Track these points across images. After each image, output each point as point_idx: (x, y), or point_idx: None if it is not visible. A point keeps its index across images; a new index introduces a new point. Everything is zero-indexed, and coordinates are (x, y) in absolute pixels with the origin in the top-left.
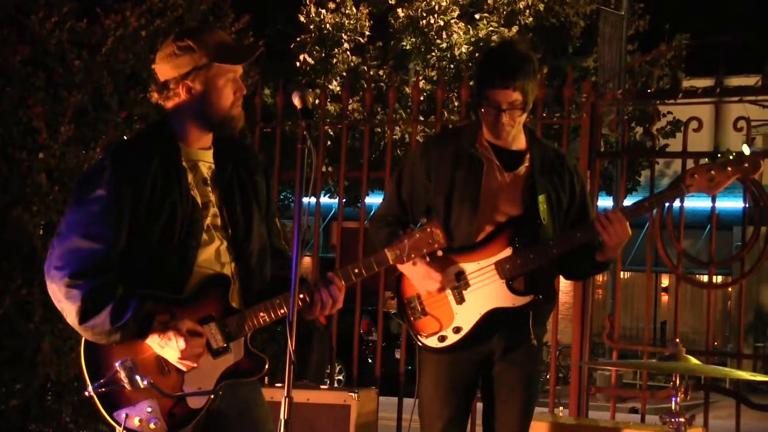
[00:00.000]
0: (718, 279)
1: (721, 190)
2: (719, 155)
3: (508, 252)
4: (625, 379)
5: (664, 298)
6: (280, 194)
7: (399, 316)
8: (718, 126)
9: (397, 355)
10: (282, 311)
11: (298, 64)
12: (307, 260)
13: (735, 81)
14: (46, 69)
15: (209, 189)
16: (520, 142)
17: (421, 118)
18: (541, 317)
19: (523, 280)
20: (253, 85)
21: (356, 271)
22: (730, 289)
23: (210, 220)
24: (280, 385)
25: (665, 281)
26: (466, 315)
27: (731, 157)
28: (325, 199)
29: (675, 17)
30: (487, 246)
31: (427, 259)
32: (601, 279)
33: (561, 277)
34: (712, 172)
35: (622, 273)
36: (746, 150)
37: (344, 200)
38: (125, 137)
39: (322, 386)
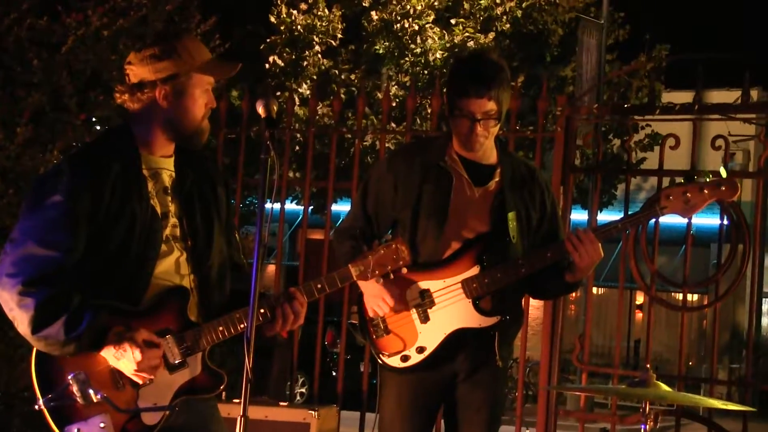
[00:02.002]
0: (694, 297)
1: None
2: (696, 177)
3: (475, 270)
4: (596, 398)
5: (638, 315)
6: (245, 200)
7: (361, 334)
8: (695, 142)
9: (362, 369)
10: (242, 326)
11: (267, 65)
12: (270, 268)
13: (716, 95)
14: (3, 67)
15: (169, 198)
16: (491, 156)
17: (393, 125)
18: (508, 338)
19: (490, 299)
20: (218, 90)
21: (319, 286)
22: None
23: (169, 231)
24: (237, 400)
25: (640, 298)
26: (431, 334)
27: (708, 179)
28: (291, 206)
29: (655, 27)
30: (454, 263)
31: (391, 276)
32: (573, 295)
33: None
34: (688, 194)
35: (595, 289)
36: (723, 172)
37: (311, 208)
38: (86, 141)
39: (282, 403)
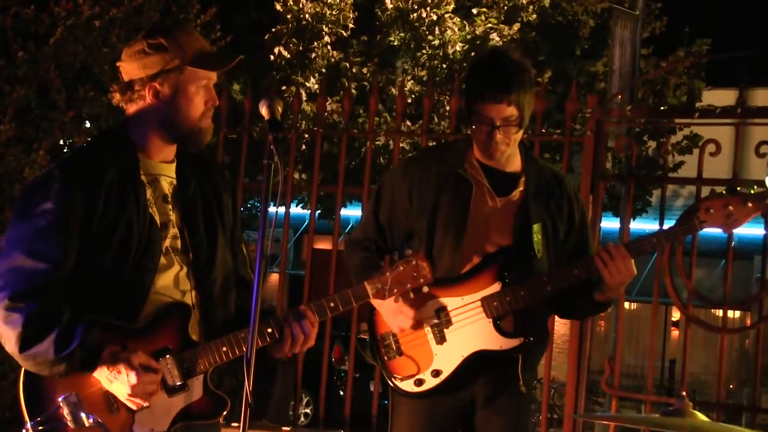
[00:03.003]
0: (736, 315)
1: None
2: (738, 188)
3: (496, 287)
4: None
5: (675, 333)
6: (247, 203)
7: (371, 355)
8: (738, 148)
9: (372, 388)
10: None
11: (272, 58)
12: (274, 278)
13: (762, 94)
14: None
15: (170, 207)
16: (514, 164)
17: (409, 124)
18: (532, 361)
19: (513, 319)
20: (219, 86)
21: (332, 305)
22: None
23: (169, 242)
24: (236, 424)
25: (676, 314)
26: (447, 357)
27: (752, 191)
28: (297, 210)
29: (695, 18)
30: (473, 279)
31: (411, 295)
32: None
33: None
34: (730, 207)
35: (627, 304)
36: None
37: (319, 212)
38: (79, 144)
39: (284, 428)
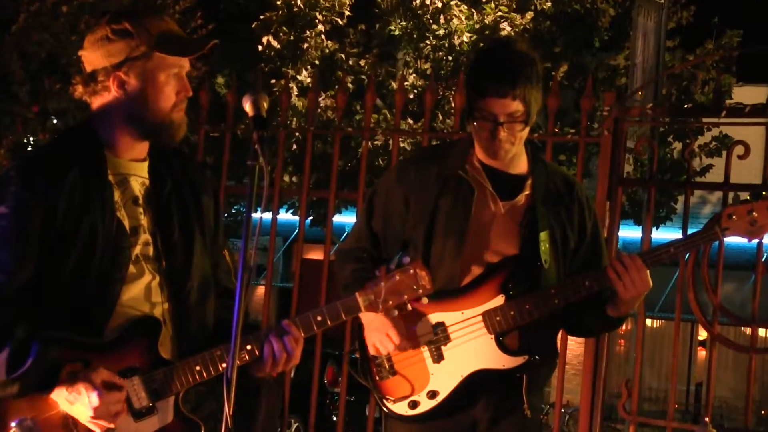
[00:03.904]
0: (767, 334)
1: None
2: (764, 192)
3: (499, 300)
4: None
5: (701, 353)
6: (231, 208)
7: (362, 374)
8: None
9: (368, 412)
10: (224, 365)
11: (260, 48)
12: (260, 290)
13: None
14: None
15: (141, 210)
16: (520, 165)
17: (410, 122)
18: (538, 382)
19: (517, 336)
20: (199, 79)
21: (319, 319)
22: None
23: (140, 249)
24: None
25: (703, 333)
26: (445, 377)
27: None
28: (287, 216)
29: (725, 8)
30: (475, 292)
31: (408, 307)
32: (623, 328)
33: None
34: (754, 213)
35: (649, 321)
36: None
37: (309, 219)
38: (40, 142)
39: None
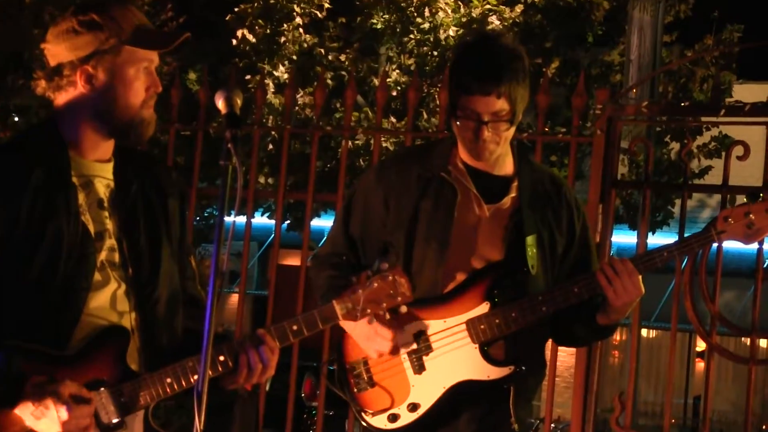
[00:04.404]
0: None
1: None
2: (762, 194)
3: (484, 308)
4: None
5: (700, 365)
6: (203, 211)
7: (339, 386)
8: None
9: (347, 427)
10: (196, 377)
11: (234, 42)
12: (234, 299)
13: None
14: None
15: (106, 214)
16: (505, 166)
17: (393, 120)
18: (526, 394)
19: (503, 345)
20: (170, 74)
21: (295, 328)
22: None
23: (105, 255)
24: None
25: (701, 344)
26: (426, 388)
27: None
28: (262, 220)
29: (725, 2)
30: (458, 299)
31: (387, 316)
32: (618, 338)
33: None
34: (751, 216)
35: (645, 331)
36: None
37: (286, 223)
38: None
39: None
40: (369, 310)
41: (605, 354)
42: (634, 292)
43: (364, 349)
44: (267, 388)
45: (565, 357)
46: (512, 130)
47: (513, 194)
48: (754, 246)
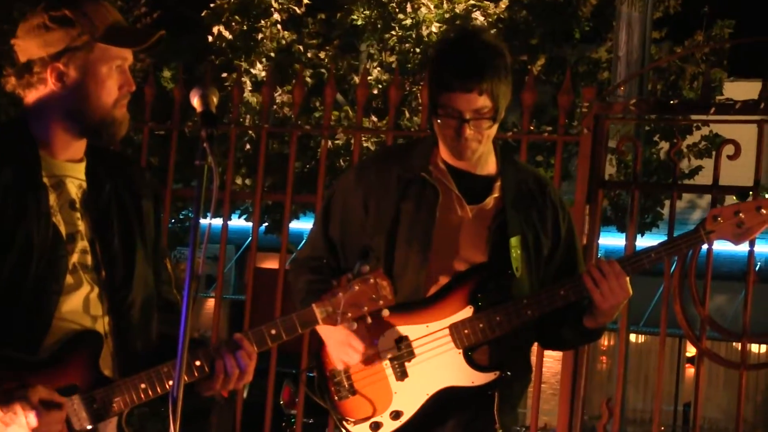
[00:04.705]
0: (761, 350)
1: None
2: (751, 193)
3: (467, 312)
4: None
5: (690, 371)
6: (179, 213)
7: (319, 394)
8: (760, 149)
9: None
10: (171, 383)
11: (210, 38)
12: (210, 303)
13: None
14: None
15: (78, 216)
16: (488, 165)
17: (374, 119)
18: (511, 400)
19: (487, 350)
20: (143, 72)
21: (273, 332)
22: None
23: (77, 258)
24: None
25: (692, 349)
26: (409, 395)
27: (767, 196)
28: (240, 222)
29: None
30: (441, 303)
31: (368, 320)
32: (606, 343)
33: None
34: (741, 215)
35: (634, 336)
36: None
37: (264, 225)
38: None
39: None
40: (350, 314)
41: (593, 359)
42: (622, 294)
43: (332, 356)
44: (245, 395)
45: (552, 362)
46: (495, 127)
47: (496, 194)
48: (746, 248)
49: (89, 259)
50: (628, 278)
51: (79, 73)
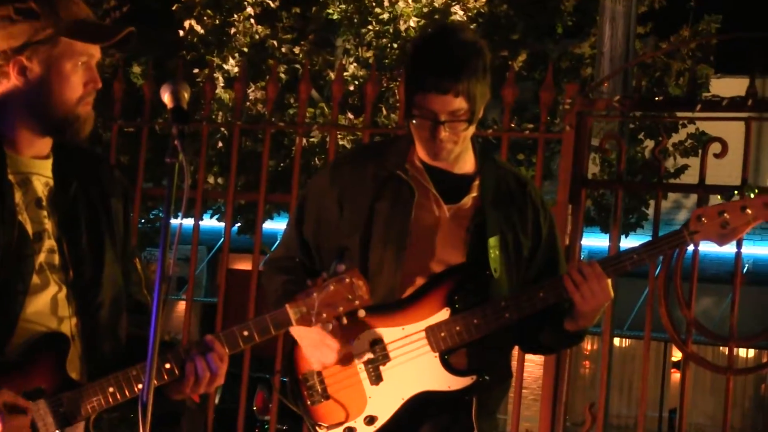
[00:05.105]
0: (750, 354)
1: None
2: (736, 192)
3: (444, 314)
4: None
5: (675, 376)
6: (149, 213)
7: (291, 398)
8: (748, 148)
9: None
10: (140, 386)
11: (182, 33)
12: (181, 306)
13: None
14: None
15: (45, 214)
16: (466, 164)
17: (351, 116)
18: (490, 406)
19: (465, 354)
20: (113, 67)
21: (245, 334)
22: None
23: (44, 257)
24: None
25: (678, 354)
26: (384, 400)
27: (752, 195)
28: (211, 222)
29: None
30: (417, 305)
31: (344, 320)
32: (589, 347)
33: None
34: (726, 215)
35: (618, 341)
36: None
37: (236, 226)
38: None
39: None
40: (324, 315)
41: (575, 364)
42: (603, 296)
43: (308, 358)
44: (217, 400)
45: (533, 367)
46: (471, 129)
47: (474, 193)
48: (733, 249)
49: (56, 258)
50: (609, 280)
51: (42, 67)
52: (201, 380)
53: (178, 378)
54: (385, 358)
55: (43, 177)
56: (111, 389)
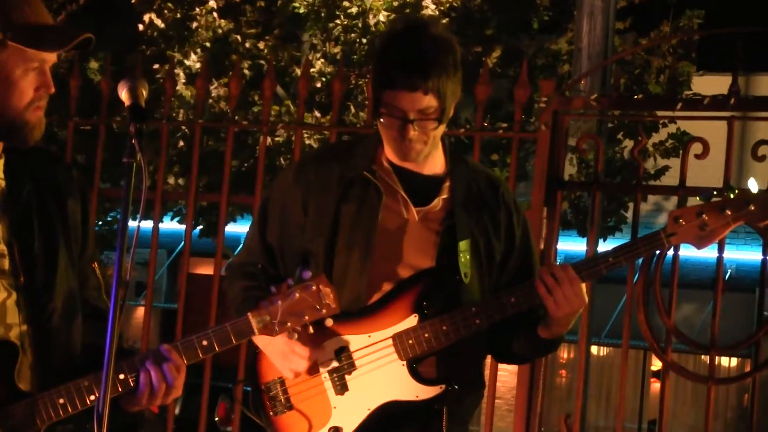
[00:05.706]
0: (732, 363)
1: (721, 239)
2: (715, 193)
3: (412, 321)
4: None
5: (655, 385)
6: (107, 215)
7: (253, 410)
8: (731, 148)
9: None
10: (92, 398)
11: (141, 27)
12: (140, 312)
13: (765, 82)
14: None
15: None
16: (436, 164)
17: (317, 114)
18: (461, 416)
19: (434, 362)
20: (69, 63)
21: (205, 343)
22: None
23: None
24: None
25: (657, 362)
26: (349, 410)
27: (732, 196)
28: (173, 225)
29: None
30: (384, 312)
31: (310, 329)
32: (565, 355)
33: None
34: (704, 216)
35: (595, 349)
36: (753, 186)
37: (198, 229)
38: None
39: None
40: (289, 324)
41: (551, 373)
42: (577, 302)
43: (278, 368)
44: (176, 411)
45: (507, 377)
46: (442, 128)
47: (444, 195)
48: (714, 254)
49: (7, 263)
50: (584, 285)
51: None
52: (156, 392)
53: (133, 389)
54: (351, 366)
55: None
56: (61, 401)
